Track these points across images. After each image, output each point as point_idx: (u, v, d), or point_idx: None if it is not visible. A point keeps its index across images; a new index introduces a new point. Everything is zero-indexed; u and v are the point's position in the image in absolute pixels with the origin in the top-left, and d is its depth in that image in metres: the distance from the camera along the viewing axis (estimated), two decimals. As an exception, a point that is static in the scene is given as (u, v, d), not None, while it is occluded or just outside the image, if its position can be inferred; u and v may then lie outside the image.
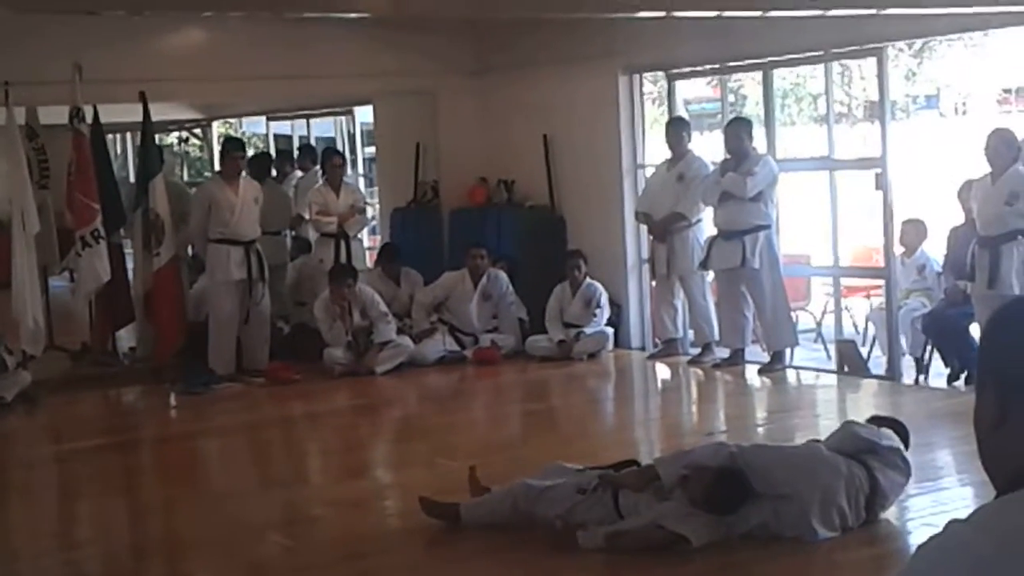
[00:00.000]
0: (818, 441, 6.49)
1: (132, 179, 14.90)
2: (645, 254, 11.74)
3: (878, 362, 10.61)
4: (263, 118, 18.71)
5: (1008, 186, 9.07)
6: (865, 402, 9.68)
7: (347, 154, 15.01)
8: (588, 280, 11.58)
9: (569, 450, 7.66)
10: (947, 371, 10.02)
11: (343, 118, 16.46)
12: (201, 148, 21.24)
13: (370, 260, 13.06)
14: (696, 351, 11.20)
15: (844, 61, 13.28)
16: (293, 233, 13.47)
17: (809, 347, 11.69)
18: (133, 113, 11.52)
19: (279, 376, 11.05)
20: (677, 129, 11.21)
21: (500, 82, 12.83)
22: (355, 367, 11.20)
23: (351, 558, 6.28)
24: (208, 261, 11.30)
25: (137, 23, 10.81)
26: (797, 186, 12.62)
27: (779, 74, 12.63)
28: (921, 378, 10.24)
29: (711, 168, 10.80)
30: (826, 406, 9.89)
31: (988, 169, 9.22)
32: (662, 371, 11.22)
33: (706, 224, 10.97)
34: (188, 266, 12.18)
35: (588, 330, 11.47)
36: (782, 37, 10.17)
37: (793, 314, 11.03)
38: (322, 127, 17.53)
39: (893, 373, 10.18)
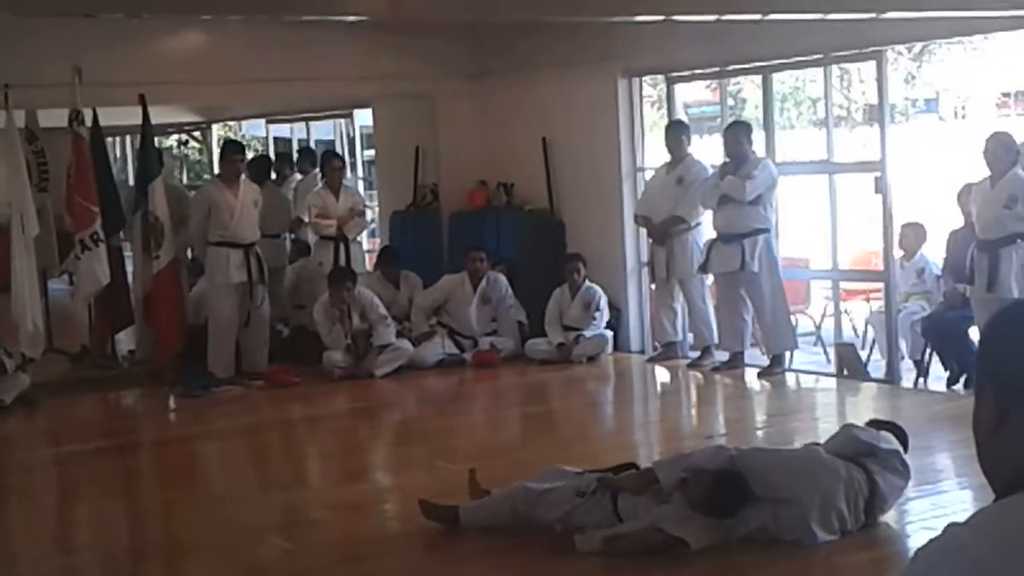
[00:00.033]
0: (817, 444, 6.50)
1: (131, 182, 14.88)
2: (644, 257, 11.74)
3: (877, 365, 10.61)
4: (262, 121, 18.72)
5: (1007, 190, 9.07)
6: (864, 405, 9.69)
7: (346, 157, 15.00)
8: (587, 283, 11.58)
9: (568, 453, 7.66)
10: (946, 374, 10.03)
11: (342, 121, 16.46)
12: (200, 151, 21.25)
13: (369, 263, 13.05)
14: (695, 354, 11.21)
15: (843, 65, 13.30)
16: (292, 236, 13.47)
17: (808, 350, 11.70)
18: (132, 116, 11.52)
19: (278, 379, 11.05)
20: (676, 132, 11.21)
21: (499, 85, 12.84)
22: (354, 370, 11.20)
23: (350, 561, 6.28)
24: (208, 264, 11.31)
25: (136, 26, 10.81)
26: (796, 190, 12.63)
27: (778, 78, 12.64)
28: (920, 381, 10.25)
29: (710, 171, 10.80)
30: (825, 409, 9.89)
31: (987, 173, 9.23)
32: (661, 374, 11.22)
33: (705, 227, 10.97)
34: (187, 269, 12.18)
35: (587, 333, 11.47)
36: (781, 40, 10.18)
37: (792, 317, 11.03)
38: (321, 130, 17.53)
39: (892, 376, 10.18)
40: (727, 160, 10.53)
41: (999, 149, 9.14)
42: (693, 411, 10.45)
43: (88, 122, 11.03)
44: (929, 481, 6.98)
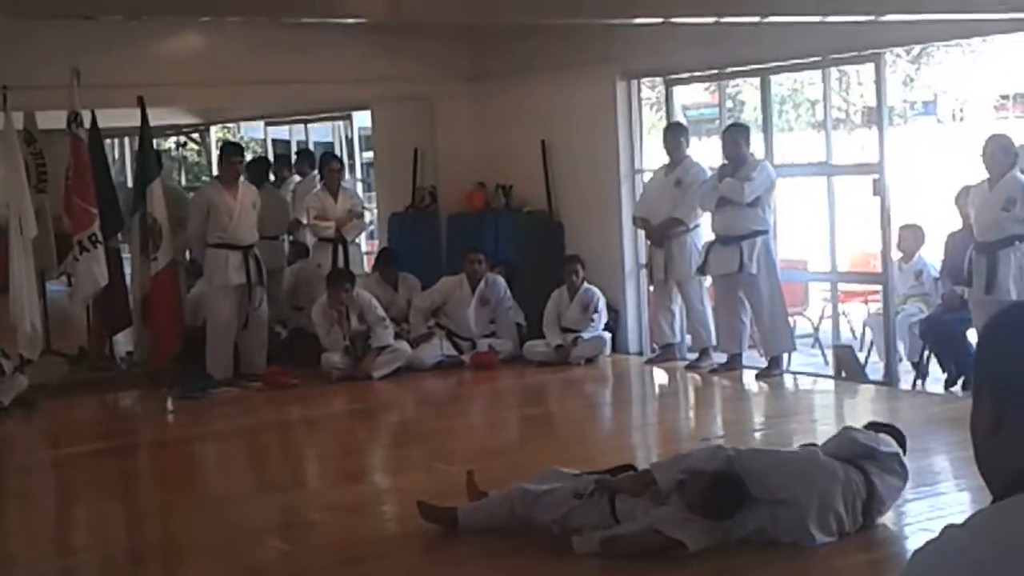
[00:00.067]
0: (814, 445, 6.50)
1: (130, 184, 14.88)
2: (643, 259, 11.74)
3: (875, 367, 10.62)
4: (261, 123, 18.71)
5: (1005, 192, 9.08)
6: (862, 407, 9.70)
7: (345, 159, 15.02)
8: (586, 285, 11.58)
9: (567, 455, 7.66)
10: (944, 376, 10.03)
11: (341, 123, 16.46)
12: (199, 153, 21.24)
13: (368, 265, 13.05)
14: (693, 356, 11.21)
15: (842, 67, 13.30)
16: (291, 238, 13.47)
17: (806, 352, 11.70)
18: (131, 118, 11.52)
19: (277, 380, 11.05)
20: (675, 134, 11.22)
21: (498, 87, 12.84)
22: (352, 372, 11.20)
23: (349, 562, 6.28)
24: (207, 266, 11.30)
25: (135, 28, 10.81)
26: (795, 192, 12.63)
27: (777, 80, 12.65)
28: (918, 383, 10.25)
29: (709, 173, 10.81)
30: (823, 411, 9.89)
31: (985, 175, 9.23)
32: (659, 376, 11.22)
33: (704, 229, 10.98)
34: (186, 270, 12.18)
35: (586, 335, 11.47)
36: (780, 43, 10.18)
37: (791, 319, 11.03)
38: (320, 132, 17.53)
39: (890, 378, 10.19)
40: (725, 162, 10.54)
41: (997, 151, 9.14)
42: (691, 413, 10.46)
43: (87, 124, 11.03)
44: (927, 483, 6.98)
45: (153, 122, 11.79)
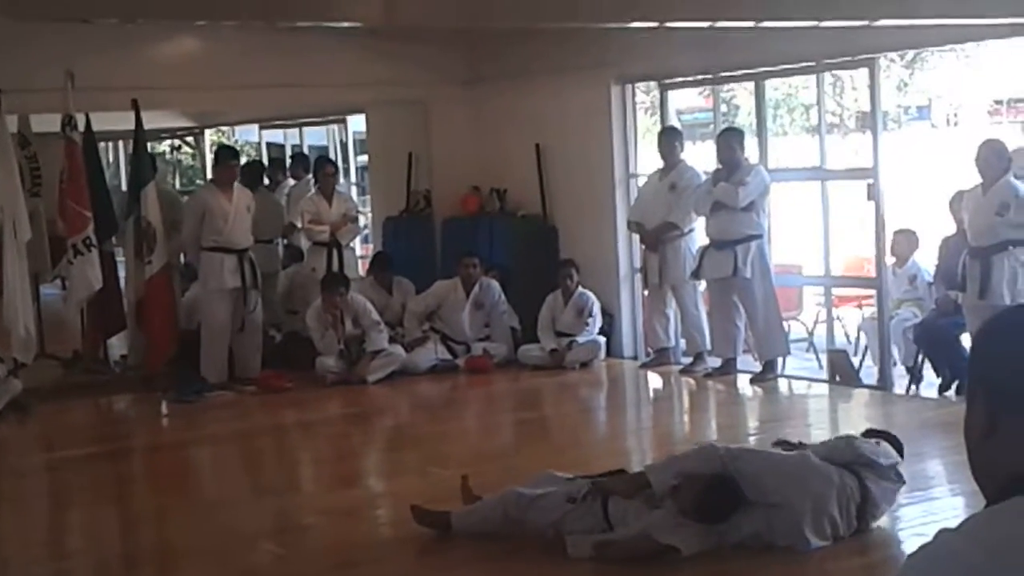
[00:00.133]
0: (803, 445, 6.52)
1: (124, 187, 14.89)
2: (637, 263, 11.75)
3: (870, 372, 10.62)
4: (256, 126, 18.72)
5: (999, 197, 9.09)
6: (857, 412, 9.70)
7: (339, 163, 15.02)
8: (580, 289, 11.59)
9: (561, 459, 7.66)
10: (938, 381, 10.03)
11: (336, 127, 16.47)
12: (194, 156, 21.23)
13: (362, 269, 13.05)
14: (688, 360, 11.22)
15: (836, 72, 13.34)
16: (285, 241, 13.47)
17: (801, 357, 11.71)
18: (125, 121, 11.52)
19: (271, 385, 11.05)
20: (669, 139, 11.23)
21: (492, 92, 12.85)
22: (347, 376, 11.19)
23: (343, 567, 6.28)
24: (201, 269, 11.29)
25: (130, 31, 10.80)
26: (789, 196, 12.65)
27: (771, 84, 12.66)
28: (912, 388, 10.25)
29: (703, 178, 10.82)
30: (818, 416, 9.89)
31: (979, 180, 9.24)
32: (654, 380, 11.22)
33: (698, 234, 10.99)
34: (180, 274, 12.16)
35: (580, 339, 11.47)
36: (774, 47, 10.19)
37: (785, 324, 11.03)
38: (315, 136, 17.54)
39: (885, 383, 10.20)
40: (720, 166, 10.55)
41: (991, 156, 9.16)
42: (685, 417, 10.46)
43: (81, 127, 11.00)
44: (921, 487, 6.98)
45: (147, 125, 11.80)
